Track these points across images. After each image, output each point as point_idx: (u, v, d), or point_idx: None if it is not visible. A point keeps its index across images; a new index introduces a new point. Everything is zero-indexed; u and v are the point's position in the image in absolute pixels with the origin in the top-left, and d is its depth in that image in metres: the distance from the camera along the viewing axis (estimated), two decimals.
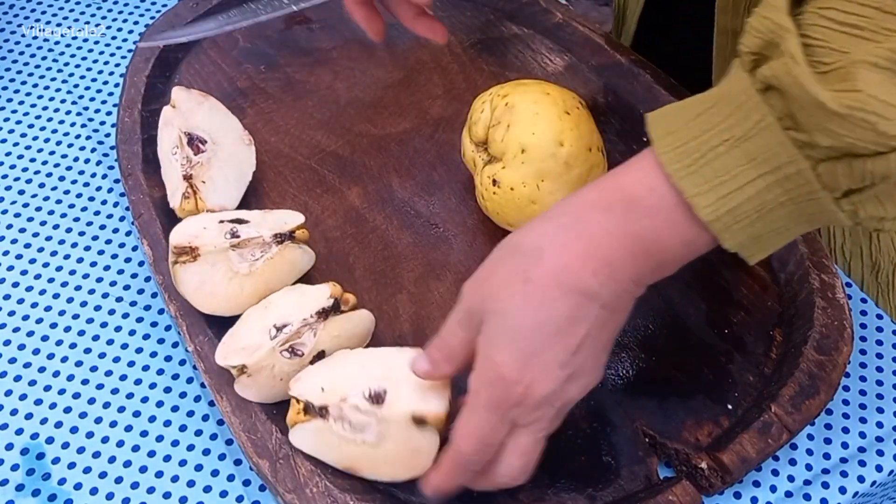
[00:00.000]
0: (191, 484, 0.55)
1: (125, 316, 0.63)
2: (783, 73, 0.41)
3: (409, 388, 0.51)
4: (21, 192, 0.70)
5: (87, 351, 0.61)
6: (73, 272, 0.65)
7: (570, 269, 0.46)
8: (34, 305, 0.63)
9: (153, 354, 0.61)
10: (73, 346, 0.61)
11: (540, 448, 0.49)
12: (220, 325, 0.57)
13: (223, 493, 0.55)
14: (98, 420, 0.57)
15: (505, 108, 0.60)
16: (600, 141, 0.63)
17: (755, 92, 0.43)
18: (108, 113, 0.76)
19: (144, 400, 0.58)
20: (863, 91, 0.40)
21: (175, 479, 0.55)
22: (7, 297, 0.64)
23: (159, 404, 0.58)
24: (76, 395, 0.59)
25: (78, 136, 0.74)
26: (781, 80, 0.41)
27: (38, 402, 0.58)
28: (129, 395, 0.59)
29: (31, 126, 0.75)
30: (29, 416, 0.58)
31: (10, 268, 0.65)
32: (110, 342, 0.61)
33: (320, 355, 0.55)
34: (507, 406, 0.47)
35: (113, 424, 0.57)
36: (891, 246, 0.71)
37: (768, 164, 0.43)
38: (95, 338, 0.61)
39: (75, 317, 0.63)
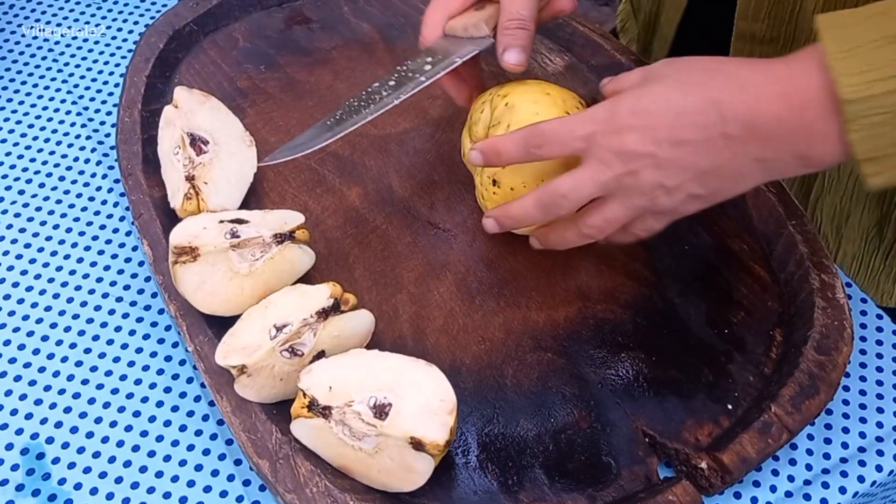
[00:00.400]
0: (191, 484, 0.55)
1: (125, 316, 0.63)
2: None
3: (414, 407, 0.51)
4: (21, 192, 0.70)
5: (87, 351, 0.61)
6: (73, 272, 0.65)
7: (728, 86, 0.50)
8: (34, 305, 0.63)
9: (153, 354, 0.61)
10: (73, 346, 0.61)
11: (591, 190, 0.53)
12: (220, 325, 0.57)
13: (223, 493, 0.55)
14: (98, 420, 0.57)
15: (505, 109, 0.60)
16: None
17: None
18: (109, 113, 0.76)
19: (144, 400, 0.58)
20: None
21: (175, 479, 0.55)
22: (7, 296, 0.64)
23: (159, 404, 0.58)
24: (76, 395, 0.59)
25: (78, 136, 0.74)
26: None
27: (38, 402, 0.58)
28: (129, 395, 0.59)
29: (31, 126, 0.75)
30: (29, 416, 0.58)
31: (10, 268, 0.65)
32: (110, 342, 0.61)
33: (320, 355, 0.55)
34: (599, 127, 0.52)
35: (113, 424, 0.57)
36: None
37: None
38: (95, 338, 0.62)
39: (75, 317, 0.63)
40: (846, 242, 0.74)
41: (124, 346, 0.61)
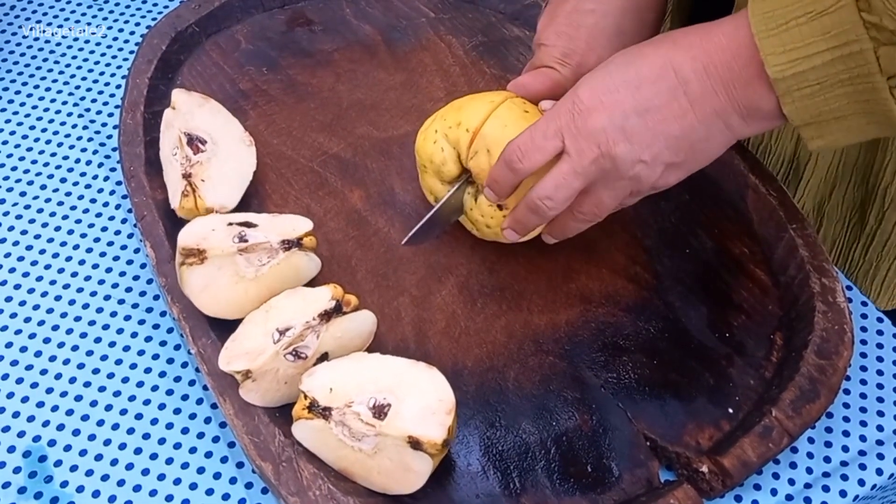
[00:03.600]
0: (193, 487, 0.55)
1: (127, 318, 0.63)
2: None
3: (413, 408, 0.51)
4: (23, 195, 0.70)
5: (90, 353, 0.61)
6: (74, 274, 0.65)
7: (676, 48, 0.53)
8: (36, 308, 0.63)
9: (155, 357, 0.61)
10: (75, 348, 0.61)
11: (572, 186, 0.54)
12: (223, 327, 0.57)
13: (225, 496, 0.55)
14: (100, 423, 0.58)
15: (470, 136, 0.59)
16: None
17: None
18: (111, 115, 0.76)
19: (146, 403, 0.59)
20: None
21: (177, 482, 0.55)
22: (9, 299, 0.64)
23: (161, 407, 0.58)
24: (78, 398, 0.59)
25: (80, 138, 0.74)
26: None
27: (41, 404, 0.58)
28: (132, 398, 0.59)
29: (32, 128, 0.75)
30: (31, 419, 0.58)
31: (12, 270, 0.65)
32: (112, 345, 0.61)
33: (324, 357, 0.55)
34: (564, 119, 0.53)
35: (115, 427, 0.57)
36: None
37: (837, 40, 0.47)
38: (97, 340, 0.62)
39: (77, 319, 0.63)
40: (827, 223, 0.74)
41: (126, 349, 0.61)
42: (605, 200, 0.56)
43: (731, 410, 0.58)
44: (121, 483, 0.55)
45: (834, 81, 0.49)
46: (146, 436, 0.57)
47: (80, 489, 0.55)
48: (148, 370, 0.60)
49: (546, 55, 0.62)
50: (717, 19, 0.54)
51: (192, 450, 0.57)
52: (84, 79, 0.79)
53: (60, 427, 0.57)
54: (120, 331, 0.62)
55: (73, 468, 0.55)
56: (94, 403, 0.58)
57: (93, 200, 0.70)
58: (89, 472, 0.55)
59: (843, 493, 0.56)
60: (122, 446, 0.56)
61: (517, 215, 0.58)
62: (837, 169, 0.71)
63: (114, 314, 0.63)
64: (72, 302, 0.64)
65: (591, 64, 0.59)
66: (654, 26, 0.65)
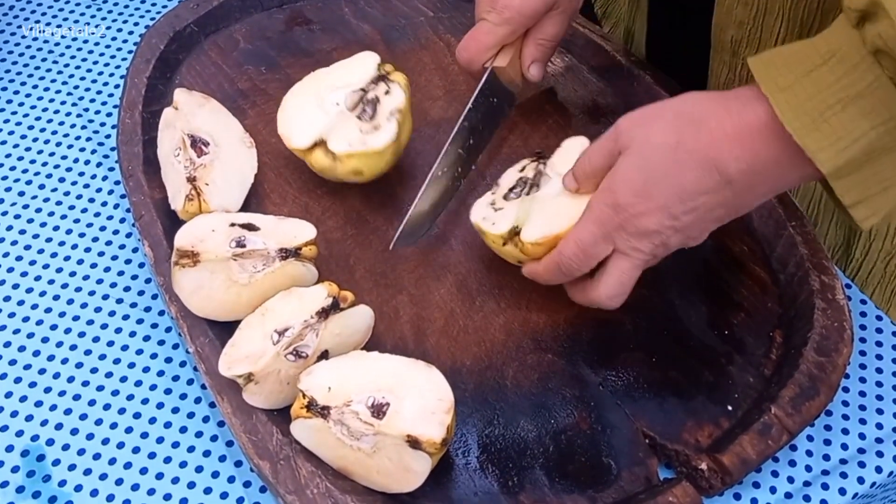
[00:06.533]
0: (191, 486, 0.55)
1: (125, 318, 0.63)
2: (891, 39, 0.44)
3: (412, 407, 0.51)
4: (21, 194, 0.70)
5: (88, 353, 0.61)
6: (73, 274, 0.65)
7: (717, 147, 0.51)
8: (34, 307, 0.63)
9: (153, 356, 0.61)
10: (73, 347, 0.61)
11: (634, 277, 0.56)
12: (222, 326, 0.57)
13: (224, 495, 0.55)
14: (98, 422, 0.57)
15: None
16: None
17: (867, 53, 0.46)
18: (109, 114, 0.76)
19: (145, 402, 0.58)
20: None
21: (175, 480, 0.55)
22: (7, 298, 0.64)
23: (159, 406, 0.58)
24: (76, 397, 0.59)
25: (78, 138, 0.74)
26: (890, 45, 0.44)
27: (39, 404, 0.58)
28: (130, 397, 0.59)
29: (31, 127, 0.75)
30: (29, 419, 0.58)
31: (11, 269, 0.65)
32: (110, 344, 0.61)
33: (324, 355, 0.55)
34: (612, 226, 0.54)
35: (113, 426, 0.57)
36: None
37: (881, 117, 0.47)
38: (95, 339, 0.62)
39: (75, 318, 0.63)
40: None
41: (124, 348, 0.61)
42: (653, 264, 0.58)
43: (730, 408, 0.57)
44: (119, 482, 0.55)
45: (881, 151, 0.48)
46: (144, 434, 0.57)
47: (78, 488, 0.55)
48: (146, 369, 0.60)
49: (480, 7, 0.67)
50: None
51: (191, 448, 0.56)
52: (83, 78, 0.79)
53: (59, 426, 0.57)
54: (118, 330, 0.62)
55: (72, 467, 0.55)
56: (92, 402, 0.58)
57: (91, 200, 0.70)
58: (87, 471, 0.55)
59: (842, 491, 0.56)
60: (121, 445, 0.56)
61: (584, 299, 0.59)
62: (818, 207, 0.72)
63: (112, 313, 0.63)
64: (70, 301, 0.64)
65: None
66: None
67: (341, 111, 0.63)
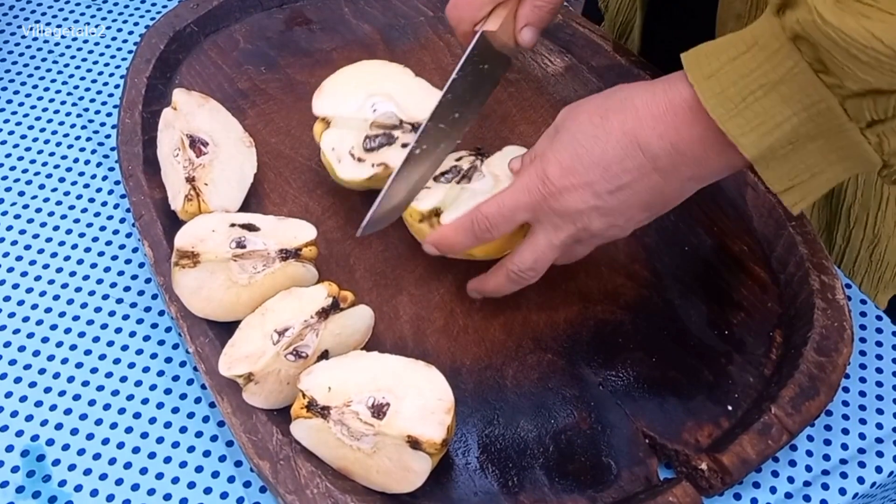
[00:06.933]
0: (191, 486, 0.55)
1: (125, 318, 0.63)
2: (808, 25, 0.44)
3: (412, 407, 0.51)
4: (21, 194, 0.70)
5: (88, 353, 0.61)
6: (73, 274, 0.65)
7: (641, 124, 0.52)
8: (34, 307, 0.63)
9: (153, 356, 0.61)
10: (73, 347, 0.61)
11: (548, 257, 0.57)
12: (222, 326, 0.57)
13: (224, 495, 0.55)
14: (98, 422, 0.57)
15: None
16: None
17: (787, 40, 0.46)
18: (109, 114, 0.76)
19: (145, 402, 0.58)
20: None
21: (175, 480, 0.55)
22: (7, 298, 0.64)
23: (159, 406, 0.58)
24: (76, 397, 0.59)
25: (78, 138, 0.74)
26: (807, 31, 0.45)
27: (39, 403, 0.58)
28: (130, 397, 0.59)
29: (31, 127, 0.75)
30: (29, 419, 0.58)
31: (11, 269, 0.65)
32: (110, 344, 0.61)
33: (324, 355, 0.55)
34: (537, 195, 0.54)
35: (113, 426, 0.57)
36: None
37: (801, 103, 0.47)
38: (95, 339, 0.62)
39: (75, 318, 0.63)
40: None
41: (124, 348, 0.61)
42: (578, 253, 0.59)
43: (730, 408, 0.58)
44: (119, 482, 0.55)
45: (806, 139, 0.48)
46: (144, 434, 0.57)
47: (78, 488, 0.55)
48: (146, 369, 0.60)
49: None
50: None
51: (191, 448, 0.56)
52: (83, 78, 0.79)
53: (59, 426, 0.57)
54: (118, 330, 0.62)
55: (72, 467, 0.55)
56: (92, 402, 0.58)
57: (91, 200, 0.70)
58: (87, 471, 0.55)
59: (842, 491, 0.56)
60: (121, 445, 0.56)
61: (494, 284, 0.60)
62: None
63: (112, 313, 0.63)
64: (70, 301, 0.63)
65: None
66: None
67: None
